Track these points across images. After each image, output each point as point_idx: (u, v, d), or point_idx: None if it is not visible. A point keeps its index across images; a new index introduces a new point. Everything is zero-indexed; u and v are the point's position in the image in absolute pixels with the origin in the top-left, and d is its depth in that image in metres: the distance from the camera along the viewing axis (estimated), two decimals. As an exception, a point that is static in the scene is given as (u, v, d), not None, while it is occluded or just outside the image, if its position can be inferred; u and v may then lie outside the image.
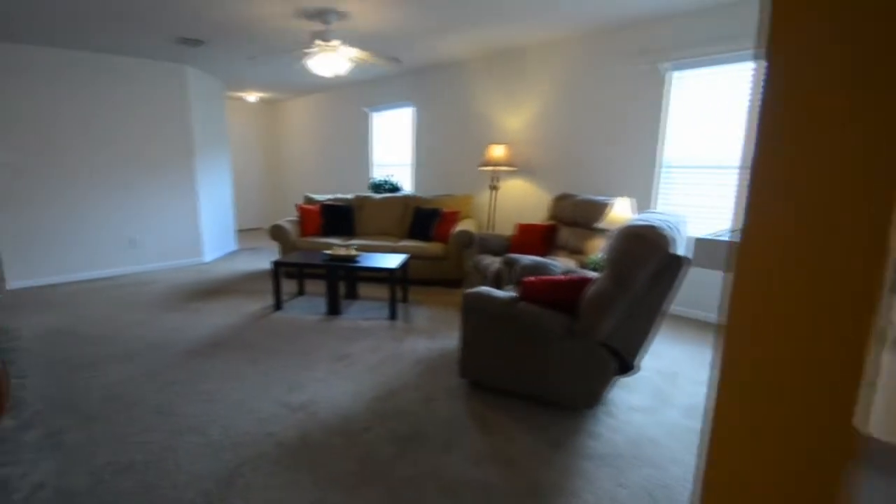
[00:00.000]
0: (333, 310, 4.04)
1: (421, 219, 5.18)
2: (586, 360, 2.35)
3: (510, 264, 3.73)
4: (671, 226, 2.38)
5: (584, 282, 2.46)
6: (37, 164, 4.87)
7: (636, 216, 2.89)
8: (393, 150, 6.72)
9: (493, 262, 4.15)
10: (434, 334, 3.66)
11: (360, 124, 7.03)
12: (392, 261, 4.05)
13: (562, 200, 4.58)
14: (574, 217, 4.38)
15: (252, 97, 7.81)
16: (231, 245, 7.00)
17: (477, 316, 2.60)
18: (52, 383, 2.82)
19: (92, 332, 3.65)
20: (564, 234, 4.43)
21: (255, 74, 6.26)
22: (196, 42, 4.51)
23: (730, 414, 0.62)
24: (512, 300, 2.51)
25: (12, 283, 4.86)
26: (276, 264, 4.07)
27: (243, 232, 8.72)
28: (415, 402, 2.63)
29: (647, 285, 2.24)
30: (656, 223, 2.28)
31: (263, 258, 6.42)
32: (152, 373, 2.97)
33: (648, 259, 2.13)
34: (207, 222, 6.24)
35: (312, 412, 2.52)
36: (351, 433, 2.33)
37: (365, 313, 4.10)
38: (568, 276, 2.51)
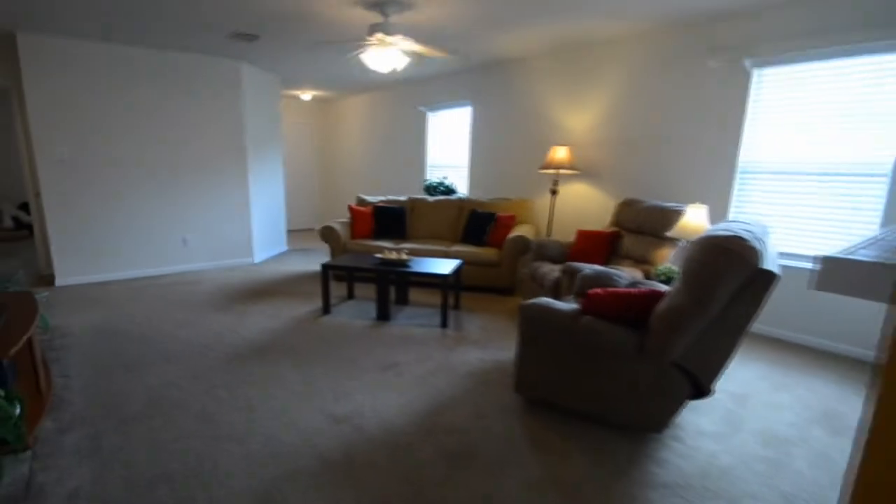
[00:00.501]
0: (383, 315, 4.03)
1: (475, 223, 5.12)
2: (656, 381, 2.20)
3: (571, 274, 3.59)
4: (757, 236, 2.19)
5: (656, 296, 2.30)
6: (92, 160, 5.13)
7: (716, 225, 2.70)
8: (448, 151, 6.71)
9: (551, 271, 4.01)
10: (486, 345, 3.57)
11: (415, 124, 7.07)
12: (445, 267, 4.00)
13: (627, 206, 4.38)
14: (640, 224, 4.18)
15: (306, 95, 8.02)
16: (281, 246, 7.20)
17: (535, 329, 2.49)
18: (95, 384, 2.91)
19: (137, 331, 3.79)
20: (629, 243, 4.23)
21: (310, 72, 6.42)
22: (251, 37, 4.64)
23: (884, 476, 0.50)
24: (575, 313, 2.39)
25: (65, 280, 5.16)
26: (326, 267, 4.11)
27: (294, 233, 8.99)
28: (466, 418, 2.57)
29: (728, 302, 2.06)
30: (741, 233, 2.10)
31: (314, 260, 6.56)
32: (195, 376, 3.02)
33: (733, 274, 1.96)
34: (258, 222, 6.44)
35: (357, 425, 2.49)
36: (398, 450, 2.28)
37: (415, 320, 4.07)
38: (637, 289, 2.36)
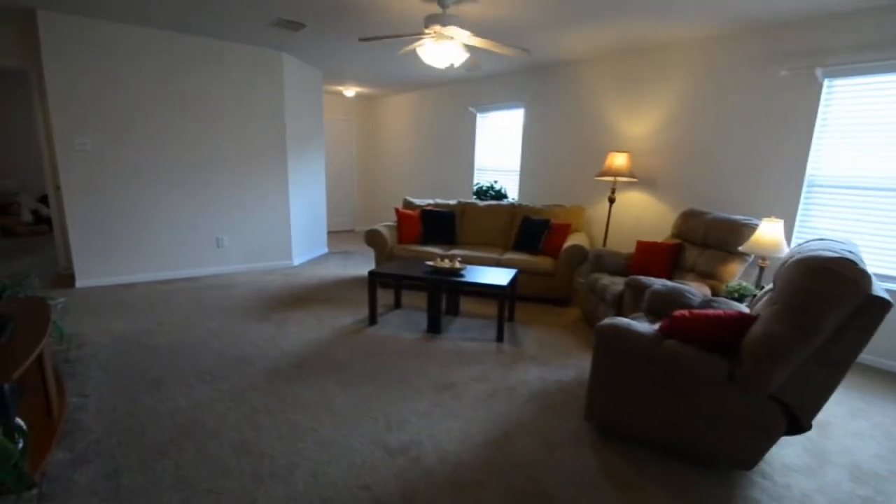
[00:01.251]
0: (434, 327, 4.02)
1: (528, 230, 5.08)
2: (748, 413, 2.11)
3: (637, 288, 3.50)
4: (859, 258, 2.08)
5: (747, 320, 2.21)
6: (117, 152, 4.99)
7: (808, 243, 2.58)
8: (498, 155, 6.68)
9: (612, 283, 3.93)
10: (546, 362, 3.53)
11: (464, 125, 7.08)
12: (501, 277, 3.97)
13: (689, 217, 4.27)
14: (705, 237, 4.06)
15: (350, 91, 8.11)
16: (322, 248, 7.29)
17: (612, 352, 2.43)
18: (116, 405, 2.72)
19: (166, 342, 3.67)
20: (692, 256, 4.11)
21: (355, 66, 6.48)
22: (296, 25, 4.54)
23: None
24: (656, 336, 2.31)
25: (86, 281, 5.07)
26: (374, 275, 4.13)
27: (333, 234, 9.10)
28: (535, 449, 2.49)
29: (834, 331, 1.95)
30: (847, 254, 1.99)
31: (355, 263, 6.62)
32: (231, 397, 2.88)
33: (844, 301, 1.86)
34: (298, 223, 6.54)
35: (415, 457, 2.37)
36: (462, 489, 2.16)
37: (468, 332, 4.05)
38: (725, 312, 2.27)
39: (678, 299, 3.07)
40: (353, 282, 5.62)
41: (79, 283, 5.02)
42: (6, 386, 1.89)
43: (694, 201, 4.57)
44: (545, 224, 4.96)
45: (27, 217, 8.06)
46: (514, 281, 4.12)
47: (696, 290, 3.34)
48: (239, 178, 5.80)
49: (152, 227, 5.34)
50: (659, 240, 4.67)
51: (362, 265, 6.53)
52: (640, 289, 3.50)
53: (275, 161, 6.03)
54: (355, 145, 9.45)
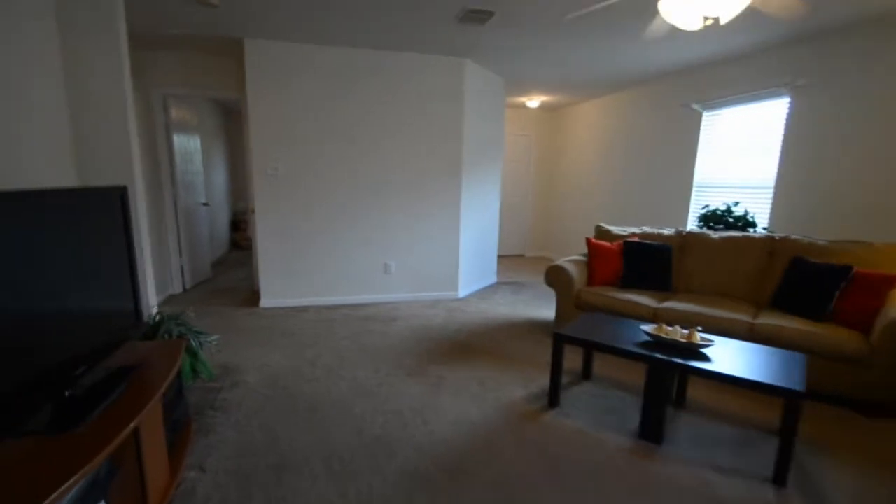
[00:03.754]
0: (652, 433, 2.44)
1: (804, 279, 3.13)
2: None
3: None
4: None
5: None
6: (302, 176, 4.69)
7: None
8: (734, 166, 4.73)
9: None
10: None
11: (680, 129, 5.27)
12: (779, 367, 2.23)
13: None
14: None
15: (533, 101, 6.85)
16: (490, 277, 6.08)
17: None
18: (228, 492, 2.01)
19: (310, 392, 2.92)
20: None
21: (544, 68, 5.18)
22: (484, 15, 3.53)
23: None
24: None
25: (269, 301, 4.78)
26: (561, 339, 2.70)
27: (502, 259, 7.87)
28: None
29: None
30: None
31: (527, 300, 5.25)
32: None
33: None
34: (467, 251, 5.41)
35: None
36: None
37: (712, 450, 2.35)
38: None
39: None
40: (525, 326, 4.26)
41: (263, 303, 4.78)
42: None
43: None
44: (840, 272, 2.95)
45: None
46: (803, 375, 2.33)
47: None
48: (412, 200, 5.00)
49: (328, 250, 4.89)
50: None
51: (534, 303, 5.14)
52: None
53: (449, 181, 5.08)
54: (533, 162, 8.16)
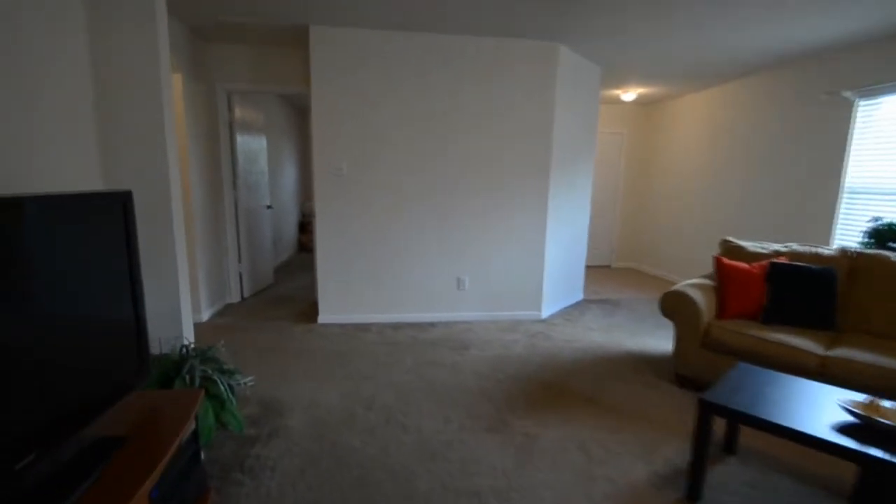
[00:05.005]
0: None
1: None
2: None
3: None
4: None
5: None
6: (368, 176, 4.10)
7: None
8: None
9: None
10: None
11: (823, 123, 4.18)
12: None
13: None
14: None
15: (629, 94, 5.93)
16: (576, 294, 5.26)
17: None
18: None
19: (360, 446, 2.30)
20: None
21: (650, 50, 4.30)
22: None
23: None
24: None
25: (327, 316, 4.23)
26: (709, 409, 1.87)
27: (587, 269, 6.99)
28: None
29: None
30: None
31: (622, 324, 4.38)
32: None
33: None
34: (553, 263, 4.62)
35: None
36: None
37: None
38: None
39: None
40: (627, 362, 3.43)
41: (321, 318, 4.26)
42: None
43: None
44: None
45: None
46: None
47: None
48: (489, 206, 4.29)
49: (393, 261, 4.28)
50: None
51: (633, 328, 4.25)
52: None
53: (535, 185, 4.32)
54: (624, 163, 7.19)
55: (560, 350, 3.69)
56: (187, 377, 2.04)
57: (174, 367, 2.10)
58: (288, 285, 5.68)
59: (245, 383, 2.30)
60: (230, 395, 2.12)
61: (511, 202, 4.31)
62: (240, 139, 4.74)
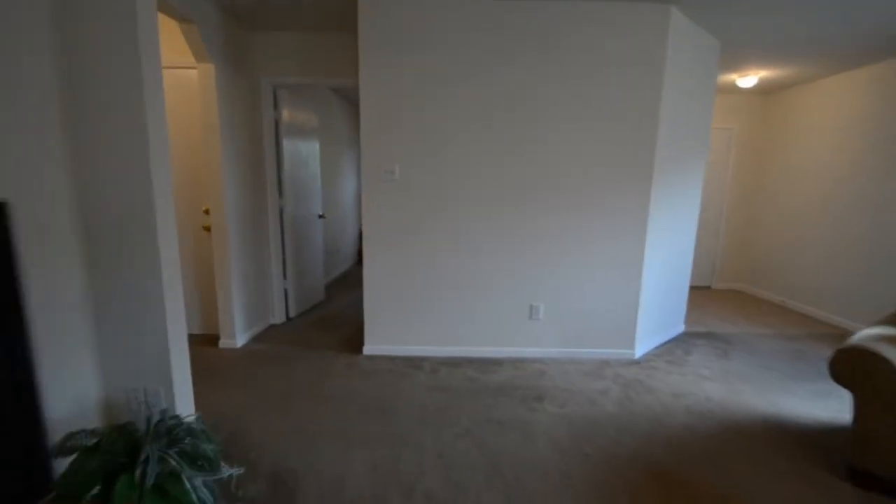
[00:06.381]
0: None
1: None
2: None
3: None
4: None
5: None
6: (426, 180, 3.37)
7: None
8: None
9: None
10: None
11: None
12: None
13: None
14: None
15: (748, 79, 4.79)
16: (677, 325, 4.23)
17: None
18: None
19: None
20: None
21: (786, 16, 3.27)
22: None
23: None
24: None
25: (373, 347, 3.55)
26: None
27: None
28: None
29: None
30: None
31: (745, 371, 3.32)
32: None
33: None
34: (650, 289, 3.66)
35: None
36: None
37: None
38: None
39: None
40: (763, 435, 2.43)
41: (367, 348, 3.61)
42: None
43: None
44: None
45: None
46: None
47: None
48: (572, 216, 3.41)
49: (452, 282, 3.51)
50: None
51: (761, 378, 3.18)
52: None
53: (632, 191, 3.39)
54: (733, 164, 6.00)
55: (667, 410, 2.75)
56: (138, 473, 1.40)
57: (128, 452, 1.47)
58: (340, 302, 5.10)
59: (230, 476, 1.63)
60: (200, 498, 1.45)
61: (602, 212, 3.40)
62: (287, 140, 4.21)
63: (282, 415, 2.62)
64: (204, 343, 3.72)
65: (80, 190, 1.82)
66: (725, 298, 5.70)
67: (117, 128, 1.79)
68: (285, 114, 4.15)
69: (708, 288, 6.27)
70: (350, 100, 6.78)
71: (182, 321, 2.04)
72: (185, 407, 2.09)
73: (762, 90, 5.55)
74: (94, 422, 1.93)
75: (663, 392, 2.98)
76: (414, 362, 3.41)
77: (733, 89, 5.40)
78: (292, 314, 4.42)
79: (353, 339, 3.86)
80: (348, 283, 6.12)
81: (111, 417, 1.98)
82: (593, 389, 3.00)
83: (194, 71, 3.45)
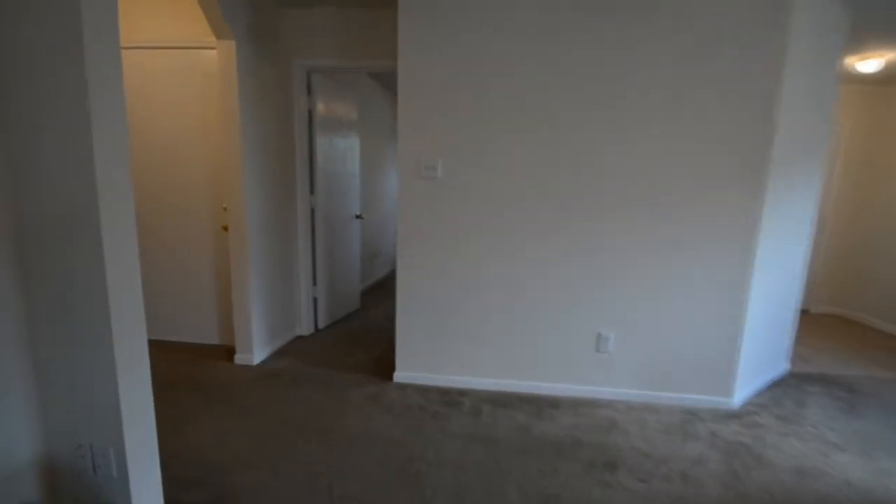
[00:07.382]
0: None
1: None
2: None
3: None
4: None
5: None
6: (471, 180, 2.74)
7: None
8: None
9: None
10: None
11: None
12: None
13: None
14: None
15: (871, 62, 3.84)
16: (780, 362, 3.36)
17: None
18: None
19: None
20: None
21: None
22: None
23: None
24: None
25: (404, 374, 2.99)
26: None
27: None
28: None
29: None
30: None
31: (877, 432, 2.48)
32: None
33: None
34: (756, 317, 2.85)
35: None
36: None
37: None
38: None
39: None
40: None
41: (397, 375, 3.03)
42: None
43: None
44: None
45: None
46: None
47: None
48: (652, 228, 2.67)
49: (501, 305, 2.86)
50: None
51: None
52: None
53: (735, 199, 2.60)
54: (838, 167, 5.01)
55: (793, 498, 2.00)
56: None
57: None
58: (377, 312, 4.57)
59: None
60: None
61: (692, 223, 2.65)
62: (321, 132, 3.72)
63: (285, 461, 2.08)
64: (218, 356, 3.27)
65: (9, 187, 1.34)
66: (828, 326, 4.73)
67: (52, 111, 1.30)
68: (320, 103, 3.65)
69: (806, 312, 5.27)
70: (392, 87, 6.24)
71: (144, 359, 1.53)
72: (145, 470, 1.58)
73: (883, 79, 4.54)
74: (29, 485, 1.46)
75: (782, 467, 2.21)
76: (451, 396, 2.81)
77: (848, 77, 4.44)
78: (322, 325, 3.92)
79: (385, 360, 3.30)
80: (389, 289, 5.59)
81: (52, 481, 1.51)
82: (684, 457, 2.27)
83: (214, 52, 3.01)
